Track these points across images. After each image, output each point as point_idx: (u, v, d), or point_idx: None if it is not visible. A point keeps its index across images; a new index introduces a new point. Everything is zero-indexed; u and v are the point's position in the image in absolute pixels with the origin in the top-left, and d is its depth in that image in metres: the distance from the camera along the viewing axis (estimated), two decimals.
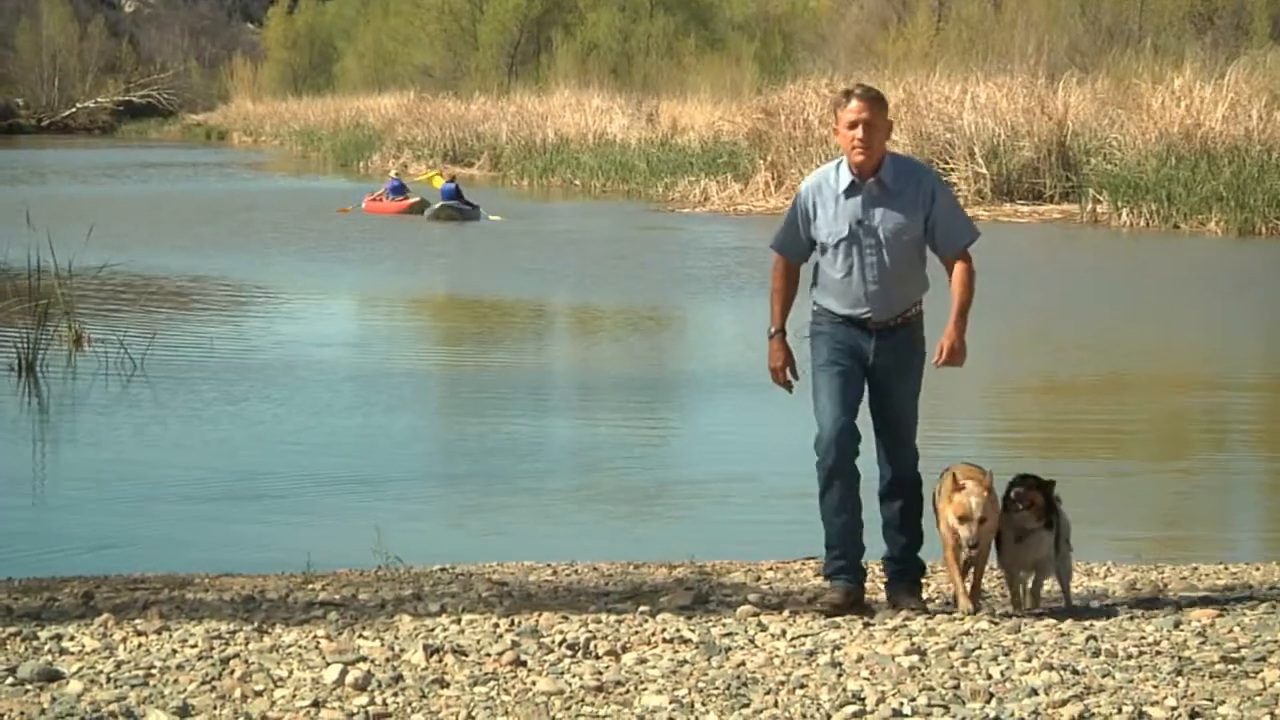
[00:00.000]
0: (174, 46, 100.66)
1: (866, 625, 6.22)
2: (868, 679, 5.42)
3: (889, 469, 6.70)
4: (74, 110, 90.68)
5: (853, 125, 6.42)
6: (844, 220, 6.48)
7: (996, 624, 6.26)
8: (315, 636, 6.08)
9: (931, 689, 5.32)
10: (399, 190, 32.72)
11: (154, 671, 5.59)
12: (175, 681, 5.48)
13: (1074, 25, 44.84)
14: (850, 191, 6.49)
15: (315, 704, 5.21)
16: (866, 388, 6.64)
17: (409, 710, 5.17)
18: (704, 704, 5.06)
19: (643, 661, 5.65)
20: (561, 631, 6.09)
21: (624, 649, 5.83)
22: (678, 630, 6.05)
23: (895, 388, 6.65)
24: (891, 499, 6.68)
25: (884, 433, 6.71)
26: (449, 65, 68.48)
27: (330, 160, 52.09)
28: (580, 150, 42.79)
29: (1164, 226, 28.19)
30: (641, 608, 6.58)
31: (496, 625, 6.20)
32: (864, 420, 6.68)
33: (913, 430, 6.76)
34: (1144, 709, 5.12)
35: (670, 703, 5.09)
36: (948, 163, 32.16)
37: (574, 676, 5.45)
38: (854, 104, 6.42)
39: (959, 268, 6.60)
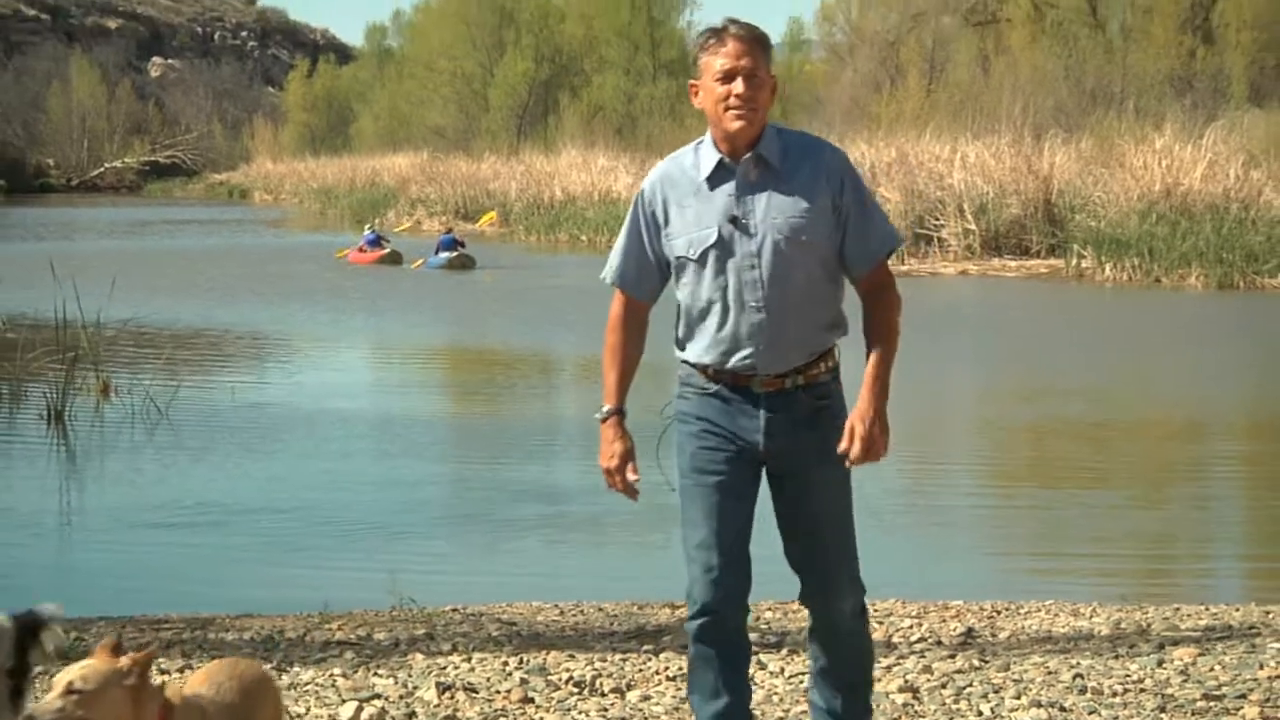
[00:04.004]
0: (198, 109, 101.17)
1: None
2: None
3: (815, 608, 4.43)
4: (102, 170, 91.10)
5: (728, 76, 4.16)
6: (711, 219, 4.21)
7: (987, 662, 6.25)
8: (332, 674, 6.08)
9: None
10: (375, 242, 33.81)
11: None
12: None
13: (1059, 88, 44.98)
14: (718, 177, 4.23)
15: None
16: (768, 489, 4.38)
17: None
18: None
19: (646, 699, 5.65)
20: (568, 669, 6.09)
21: (629, 686, 5.83)
22: (680, 668, 6.03)
23: (809, 482, 4.29)
24: (825, 649, 4.45)
25: (800, 555, 4.38)
26: (461, 126, 68.71)
27: (347, 217, 52.16)
28: (586, 207, 42.84)
29: (1146, 281, 28.20)
30: (645, 646, 6.57)
31: (506, 663, 6.20)
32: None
33: (846, 548, 4.38)
34: None
35: None
36: (938, 219, 32.25)
37: (581, 713, 5.45)
38: (730, 45, 4.18)
39: (878, 295, 4.30)
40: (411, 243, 36.53)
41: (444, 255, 31.74)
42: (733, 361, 4.24)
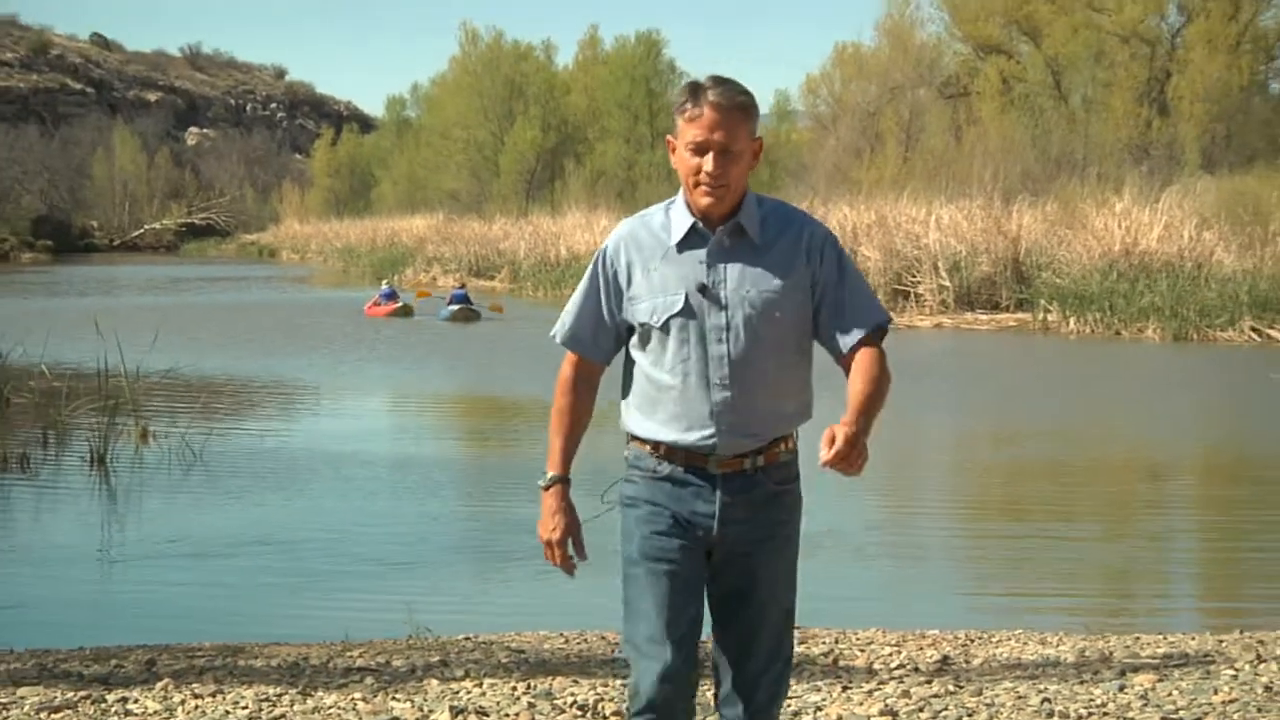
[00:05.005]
0: (231, 174, 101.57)
1: (845, 689, 6.20)
2: None
3: (739, 709, 3.77)
4: (142, 231, 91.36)
5: (699, 149, 3.59)
6: (678, 285, 3.64)
7: (961, 688, 6.24)
8: (353, 699, 6.07)
9: None
10: (390, 296, 34.30)
11: None
12: None
13: (1026, 155, 45.13)
14: (690, 241, 3.66)
15: None
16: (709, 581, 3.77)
17: None
18: None
19: None
20: (573, 694, 6.07)
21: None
22: None
23: (756, 575, 3.72)
24: None
25: (734, 647, 3.77)
26: (474, 190, 68.92)
27: (368, 274, 52.21)
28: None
29: (1107, 333, 28.27)
30: None
31: (514, 688, 6.18)
32: None
33: (782, 648, 3.79)
34: None
35: None
36: (915, 276, 32.34)
37: None
38: (705, 114, 3.57)
39: (866, 356, 3.68)
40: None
41: (451, 308, 32.31)
42: (690, 439, 3.64)
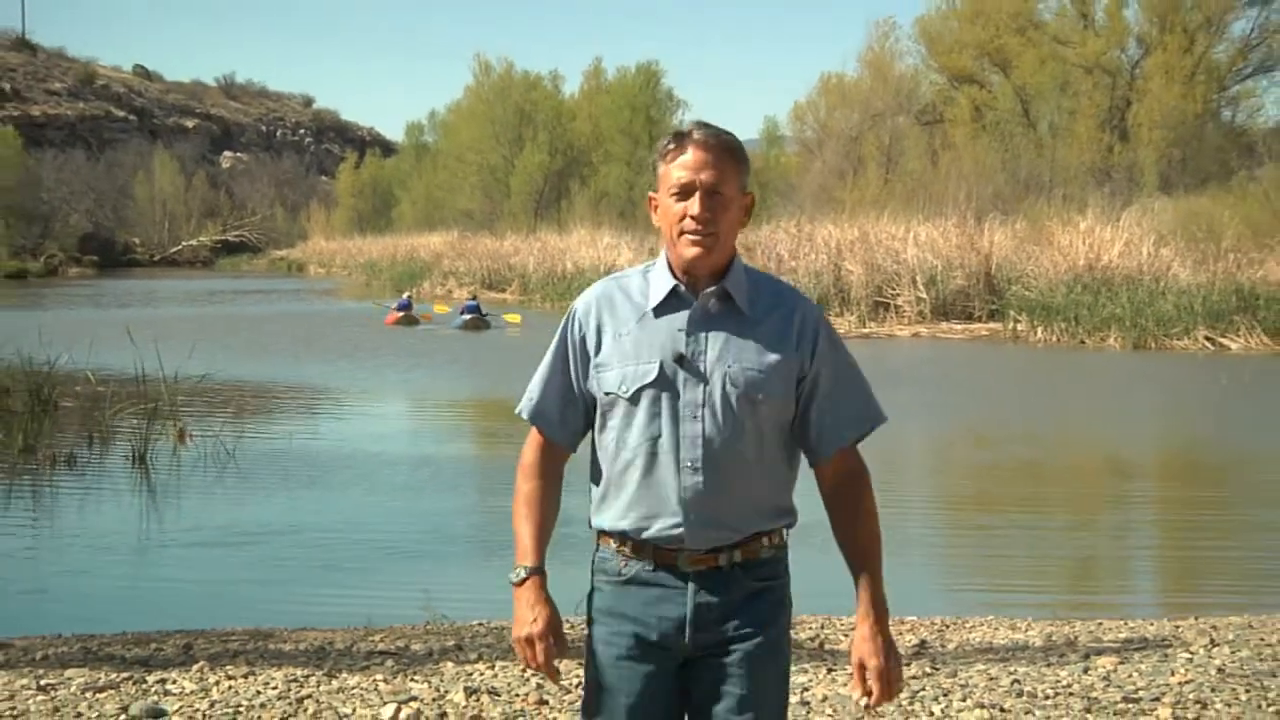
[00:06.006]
0: (262, 195, 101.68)
1: (830, 670, 6.19)
2: (831, 715, 5.40)
3: None
4: (180, 247, 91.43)
5: (684, 191, 2.92)
6: (652, 353, 2.95)
7: (937, 669, 6.24)
8: (375, 680, 6.06)
9: None
10: (405, 306, 35.06)
11: (241, 710, 5.57)
12: (259, 718, 5.45)
13: (996, 177, 45.16)
14: (669, 305, 2.98)
15: None
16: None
17: None
18: None
19: None
20: (578, 676, 6.06)
21: None
22: None
23: (738, 691, 2.93)
24: None
25: None
26: (486, 209, 68.90)
27: (389, 287, 52.15)
28: (593, 278, 42.59)
29: (1072, 342, 28.27)
30: None
31: (524, 671, 6.18)
32: None
33: None
34: None
35: None
36: (894, 288, 32.33)
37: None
38: (690, 154, 2.92)
39: (849, 484, 3.02)
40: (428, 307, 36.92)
41: (463, 317, 32.63)
42: (654, 529, 2.93)
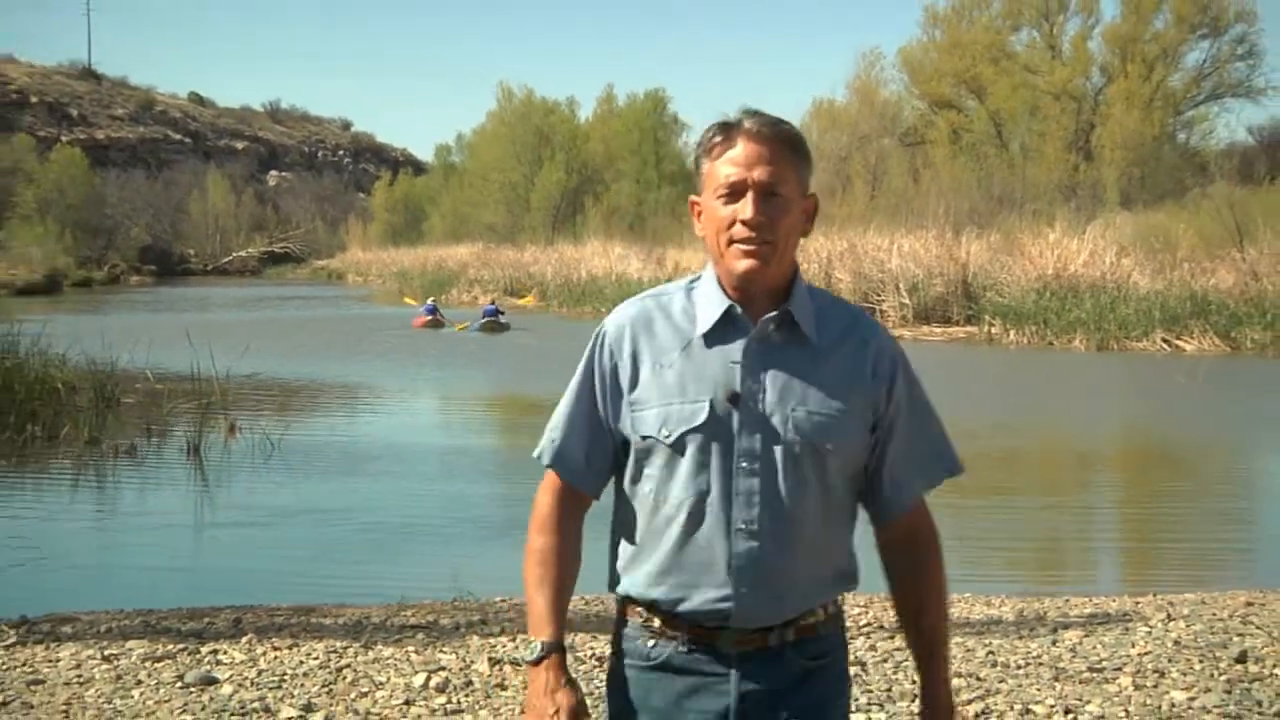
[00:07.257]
0: (305, 210, 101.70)
1: None
2: None
3: None
4: (230, 258, 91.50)
5: (735, 191, 2.18)
6: (702, 390, 2.19)
7: None
8: (407, 651, 6.06)
9: (870, 691, 5.29)
10: (432, 311, 34.95)
11: (286, 678, 5.58)
12: (302, 685, 5.46)
13: (973, 194, 45.06)
14: (722, 333, 2.21)
15: (407, 702, 5.20)
16: None
17: (477, 707, 5.15)
18: None
19: None
20: (591, 648, 6.06)
21: None
22: None
23: None
24: None
25: None
26: (508, 223, 68.87)
27: (420, 294, 52.21)
28: (605, 285, 42.89)
29: (1041, 343, 28.20)
30: None
31: None
32: None
33: None
34: (1030, 707, 5.09)
35: None
36: (880, 295, 32.30)
37: (600, 682, 5.41)
38: (740, 147, 2.18)
39: (920, 545, 2.40)
40: (456, 312, 36.90)
41: (483, 320, 32.72)
42: (694, 602, 2.20)
